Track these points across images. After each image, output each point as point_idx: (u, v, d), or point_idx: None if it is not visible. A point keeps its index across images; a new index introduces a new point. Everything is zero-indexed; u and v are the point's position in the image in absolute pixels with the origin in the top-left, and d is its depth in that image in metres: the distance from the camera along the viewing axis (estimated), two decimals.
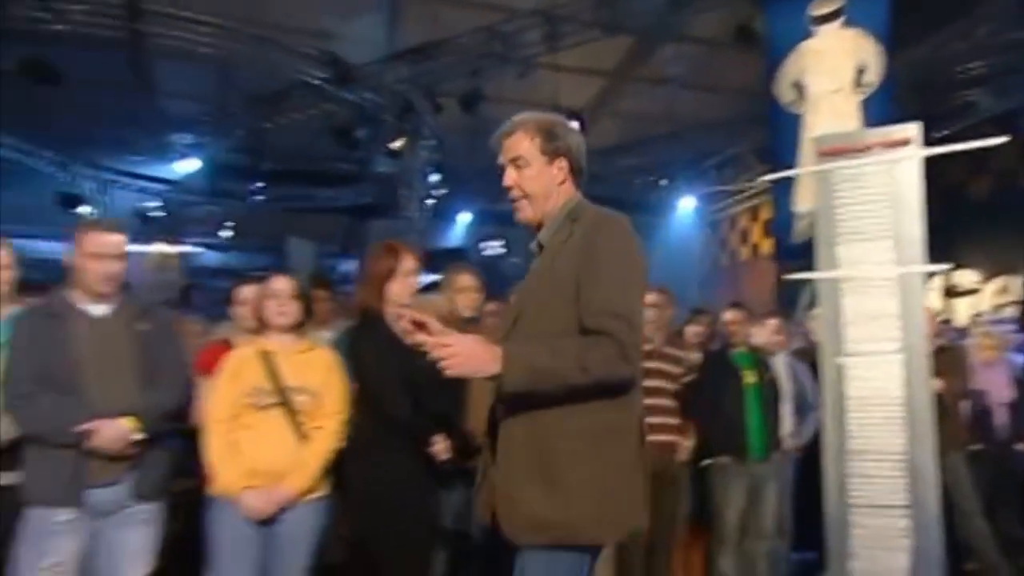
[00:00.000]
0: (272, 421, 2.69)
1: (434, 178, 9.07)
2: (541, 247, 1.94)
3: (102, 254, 2.63)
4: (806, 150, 6.85)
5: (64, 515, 2.52)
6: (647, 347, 4.07)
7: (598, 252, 1.79)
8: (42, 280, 4.48)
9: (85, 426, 2.49)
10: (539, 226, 1.95)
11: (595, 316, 1.73)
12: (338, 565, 2.77)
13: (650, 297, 4.18)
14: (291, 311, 2.74)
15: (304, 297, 2.80)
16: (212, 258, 11.31)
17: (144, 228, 9.80)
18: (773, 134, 7.85)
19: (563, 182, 1.93)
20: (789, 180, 7.02)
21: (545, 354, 1.71)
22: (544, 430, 1.76)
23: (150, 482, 2.65)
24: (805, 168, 5.64)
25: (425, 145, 8.58)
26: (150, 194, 10.23)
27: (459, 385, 3.05)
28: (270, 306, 2.75)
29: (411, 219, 8.93)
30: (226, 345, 3.14)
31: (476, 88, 8.44)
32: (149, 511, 2.67)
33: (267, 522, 2.66)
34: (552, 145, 1.91)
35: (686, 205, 12.39)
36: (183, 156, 9.86)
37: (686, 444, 4.01)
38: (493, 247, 10.96)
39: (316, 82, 7.57)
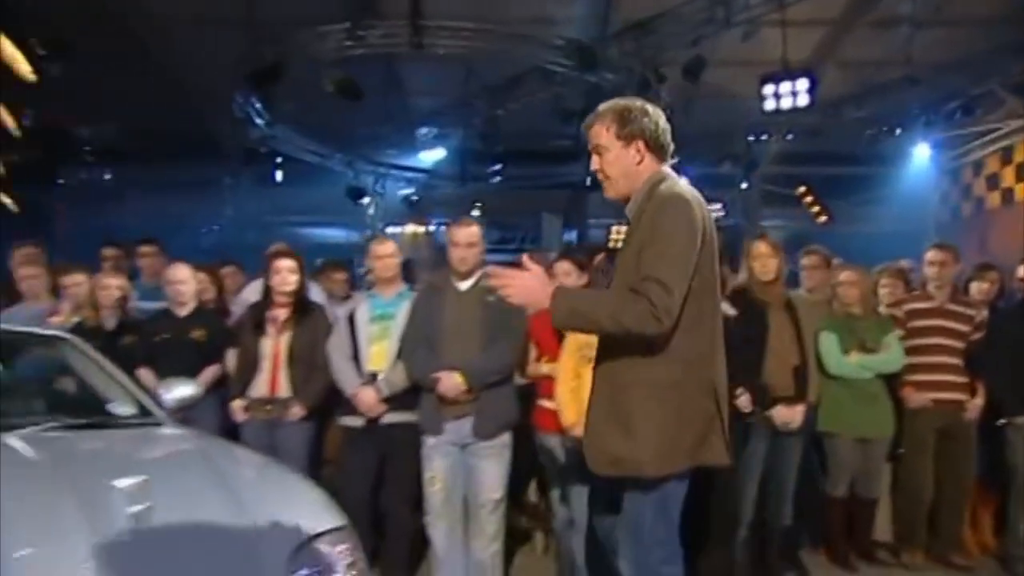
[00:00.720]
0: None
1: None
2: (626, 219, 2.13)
3: (457, 243, 3.16)
4: None
5: (432, 440, 3.16)
6: (930, 304, 3.89)
7: (656, 229, 1.96)
8: (337, 260, 5.28)
9: (433, 376, 3.07)
10: (627, 201, 2.12)
11: (639, 281, 1.91)
12: None
13: (931, 254, 3.97)
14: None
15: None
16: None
17: (409, 212, 11.02)
18: None
19: (641, 162, 2.06)
20: None
21: (587, 301, 2.02)
22: (621, 384, 2.01)
23: (489, 422, 3.16)
24: None
25: None
26: (410, 182, 11.42)
27: (759, 343, 3.21)
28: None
29: None
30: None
31: (699, 56, 8.26)
32: (493, 446, 3.17)
33: None
34: (626, 130, 2.05)
35: (921, 153, 11.17)
36: (430, 146, 10.85)
37: (976, 403, 3.80)
38: (713, 210, 10.72)
39: (555, 68, 7.90)
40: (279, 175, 11.62)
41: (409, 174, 11.35)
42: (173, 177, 11.51)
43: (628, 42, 8.39)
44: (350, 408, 3.33)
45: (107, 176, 11.37)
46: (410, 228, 12.23)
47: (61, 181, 10.87)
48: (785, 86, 7.96)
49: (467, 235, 3.21)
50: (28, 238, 10.12)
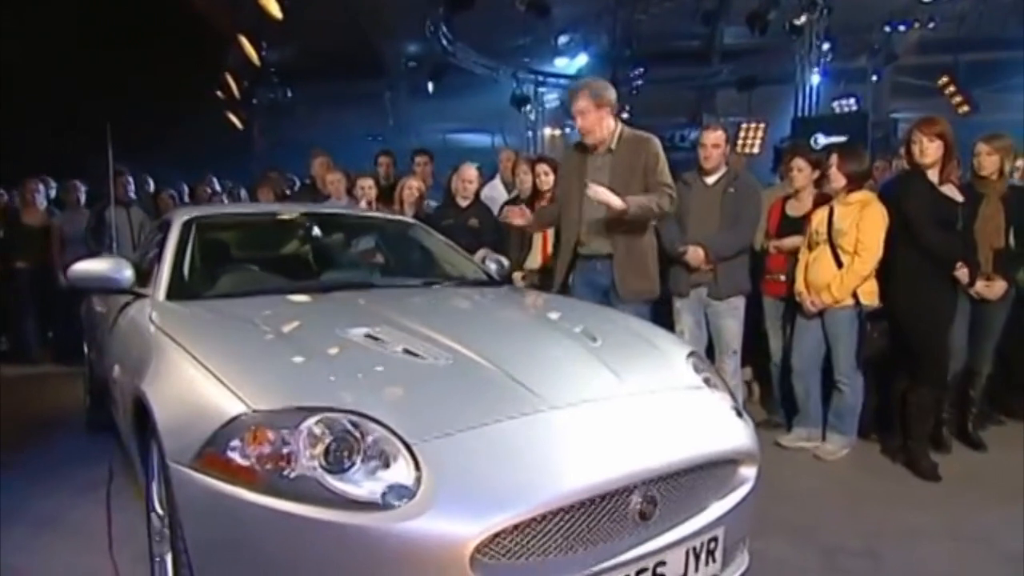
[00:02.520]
0: (822, 252, 3.46)
1: (826, 46, 8.78)
2: (606, 151, 3.19)
3: (704, 144, 3.63)
4: None
5: (679, 302, 3.71)
6: None
7: (651, 153, 3.14)
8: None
9: (681, 248, 3.59)
10: (596, 145, 3.20)
11: (658, 184, 3.12)
12: (871, 358, 3.43)
13: None
14: (839, 177, 3.41)
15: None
16: None
17: (564, 116, 11.32)
18: None
19: (605, 119, 3.14)
20: None
21: (642, 200, 3.05)
22: (639, 247, 3.20)
23: (724, 288, 3.66)
24: None
25: (816, 18, 8.30)
26: (565, 89, 11.61)
27: (972, 227, 3.48)
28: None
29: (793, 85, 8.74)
30: (784, 199, 3.92)
31: None
32: (728, 307, 3.69)
33: (819, 317, 3.51)
34: (597, 100, 3.11)
35: None
36: (572, 54, 10.92)
37: None
38: (847, 104, 10.32)
39: None
40: (431, 87, 12.08)
41: (563, 81, 11.55)
42: (342, 92, 12.22)
43: None
44: None
45: (289, 94, 12.21)
46: (548, 131, 12.55)
47: (255, 101, 11.84)
48: None
49: (713, 138, 3.62)
50: (244, 151, 11.17)
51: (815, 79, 10.49)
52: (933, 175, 3.20)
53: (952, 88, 10.01)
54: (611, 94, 3.15)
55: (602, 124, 3.15)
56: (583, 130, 3.18)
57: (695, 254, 3.60)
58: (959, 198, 3.22)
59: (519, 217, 3.33)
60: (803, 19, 8.10)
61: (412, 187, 4.35)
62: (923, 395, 3.34)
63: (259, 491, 1.44)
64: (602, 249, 3.24)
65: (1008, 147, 3.52)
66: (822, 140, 7.22)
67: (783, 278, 3.77)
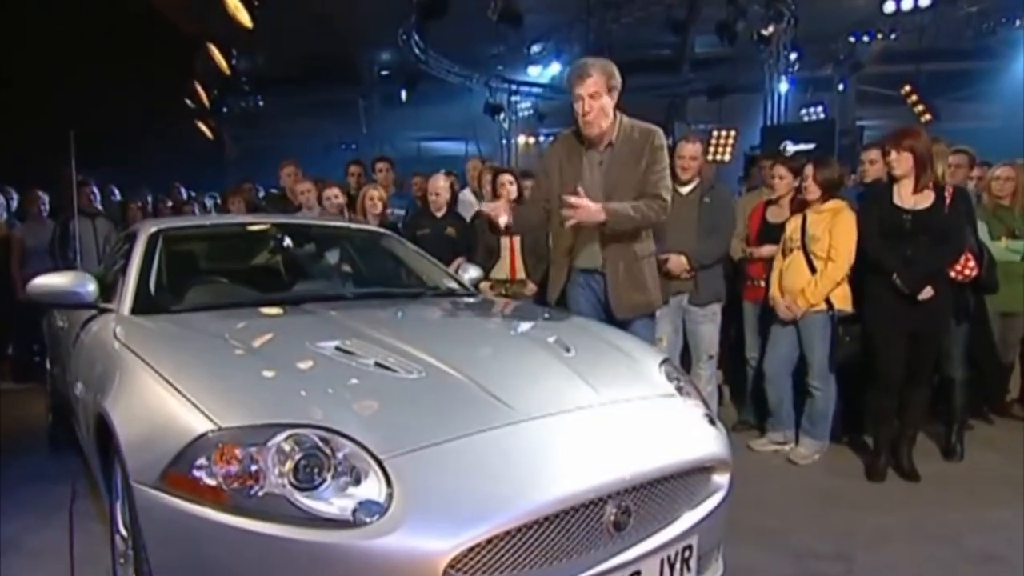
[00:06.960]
0: (796, 258, 3.52)
1: (793, 56, 8.96)
2: (607, 145, 2.78)
3: (683, 156, 3.62)
4: None
5: (660, 311, 3.71)
6: None
7: (654, 149, 2.71)
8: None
9: (662, 256, 3.57)
10: (596, 138, 2.76)
11: (653, 192, 2.72)
12: (842, 362, 3.48)
13: None
14: (814, 187, 3.48)
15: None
16: None
17: (538, 124, 11.34)
18: None
19: (610, 106, 2.69)
20: None
21: (626, 209, 2.66)
22: (632, 258, 2.80)
23: (703, 294, 3.71)
24: None
25: (784, 29, 8.48)
26: (538, 97, 11.66)
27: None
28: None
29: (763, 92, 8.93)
30: (764, 205, 3.98)
31: None
32: (706, 313, 3.75)
33: (793, 323, 3.56)
34: (609, 82, 2.65)
35: None
36: (546, 63, 10.98)
37: None
38: (815, 112, 10.54)
39: None
40: (404, 96, 12.04)
41: (537, 90, 11.60)
42: (314, 101, 12.12)
43: None
44: None
45: (260, 103, 12.08)
46: (522, 139, 12.59)
47: (225, 110, 11.69)
48: None
49: (692, 151, 3.67)
50: (214, 160, 11.00)
51: (783, 87, 10.74)
52: (907, 185, 3.23)
53: (914, 97, 10.31)
54: (619, 77, 2.67)
55: (608, 112, 2.67)
56: (588, 118, 2.65)
57: (677, 262, 3.63)
58: (922, 206, 3.24)
59: (504, 213, 2.81)
60: (770, 29, 8.30)
61: (374, 197, 4.32)
62: (873, 398, 3.41)
63: (226, 511, 1.41)
64: (593, 263, 2.85)
65: (940, 152, 3.58)
66: (791, 148, 7.36)
67: (762, 283, 3.83)
